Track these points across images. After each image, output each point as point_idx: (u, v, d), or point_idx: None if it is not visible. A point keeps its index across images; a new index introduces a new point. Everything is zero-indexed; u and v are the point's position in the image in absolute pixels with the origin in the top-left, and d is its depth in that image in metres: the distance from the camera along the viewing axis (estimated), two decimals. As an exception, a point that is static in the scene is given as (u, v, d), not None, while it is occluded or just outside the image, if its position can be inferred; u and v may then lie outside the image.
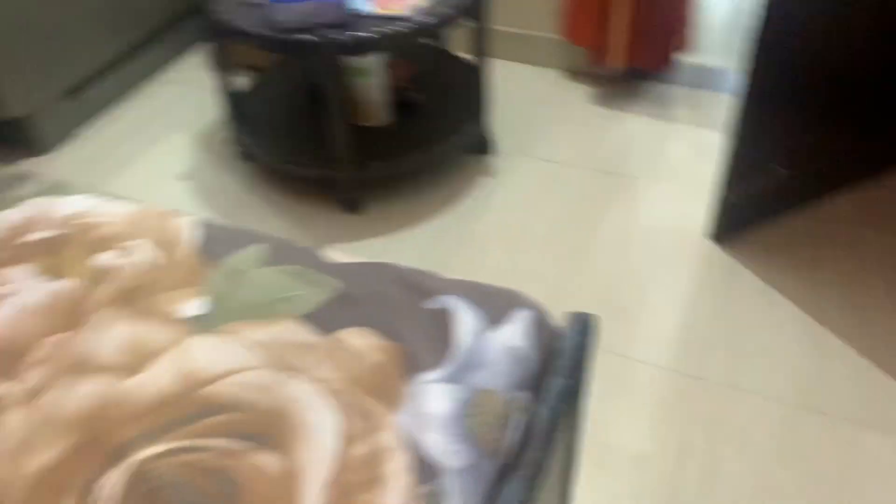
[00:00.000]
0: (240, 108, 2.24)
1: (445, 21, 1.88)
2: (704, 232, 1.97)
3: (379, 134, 2.16)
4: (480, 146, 2.27)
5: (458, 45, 2.63)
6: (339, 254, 1.10)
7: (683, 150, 2.25)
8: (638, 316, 1.78)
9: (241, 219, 2.10)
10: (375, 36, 1.80)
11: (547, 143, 2.32)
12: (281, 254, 1.09)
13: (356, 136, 2.14)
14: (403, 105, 2.24)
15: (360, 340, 0.95)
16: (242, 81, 2.47)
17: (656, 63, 2.38)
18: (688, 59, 2.54)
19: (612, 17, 2.32)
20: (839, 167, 2.02)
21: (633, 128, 2.36)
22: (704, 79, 2.55)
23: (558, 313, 1.71)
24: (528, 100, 2.50)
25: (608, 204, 2.09)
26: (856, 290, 1.81)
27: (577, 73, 2.60)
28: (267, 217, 2.11)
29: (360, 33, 1.81)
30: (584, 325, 1.00)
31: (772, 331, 1.73)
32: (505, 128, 2.39)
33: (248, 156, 2.27)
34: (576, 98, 2.50)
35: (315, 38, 1.79)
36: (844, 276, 1.84)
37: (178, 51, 2.76)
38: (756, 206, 1.93)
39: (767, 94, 1.70)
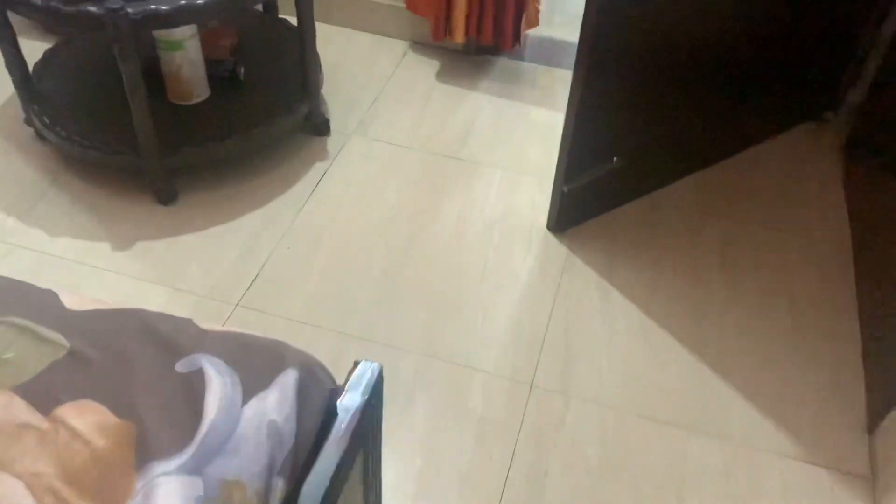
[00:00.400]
0: (33, 82, 1.95)
1: (256, -6, 1.67)
2: (544, 222, 1.89)
3: (194, 114, 1.93)
4: (313, 126, 2.08)
5: (291, 10, 2.40)
6: (79, 297, 0.91)
7: (530, 133, 2.16)
8: (470, 316, 1.68)
9: (36, 213, 1.84)
10: (171, 9, 1.58)
11: (387, 123, 2.16)
12: (0, 299, 0.89)
13: (167, 116, 1.90)
14: (223, 80, 2.01)
15: (84, 419, 0.78)
16: (39, 48, 2.15)
17: (502, 40, 2.25)
18: (538, 33, 2.42)
19: (454, -13, 2.17)
20: (681, 155, 1.98)
21: (478, 107, 2.24)
22: (556, 55, 2.45)
23: (381, 324, 1.59)
24: (370, 73, 2.33)
25: (448, 191, 1.97)
26: (690, 283, 1.78)
27: (422, 45, 2.44)
28: (67, 211, 1.85)
29: (153, 6, 1.57)
30: (367, 381, 0.87)
31: (605, 330, 1.67)
32: (342, 104, 2.21)
33: (44, 138, 1.99)
34: (420, 73, 2.35)
35: (98, 12, 1.55)
36: (680, 267, 1.81)
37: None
38: (595, 196, 1.86)
39: (603, 82, 1.61)
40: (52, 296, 0.91)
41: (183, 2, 1.59)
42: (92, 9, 1.56)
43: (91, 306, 0.90)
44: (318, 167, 2.01)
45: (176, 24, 1.66)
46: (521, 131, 2.16)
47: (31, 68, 1.98)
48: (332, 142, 2.09)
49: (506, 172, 2.03)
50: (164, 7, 1.58)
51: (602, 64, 1.57)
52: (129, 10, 1.56)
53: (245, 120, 1.91)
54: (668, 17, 1.60)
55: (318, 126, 2.09)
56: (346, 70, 2.33)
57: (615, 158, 1.78)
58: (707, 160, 2.05)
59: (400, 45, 2.45)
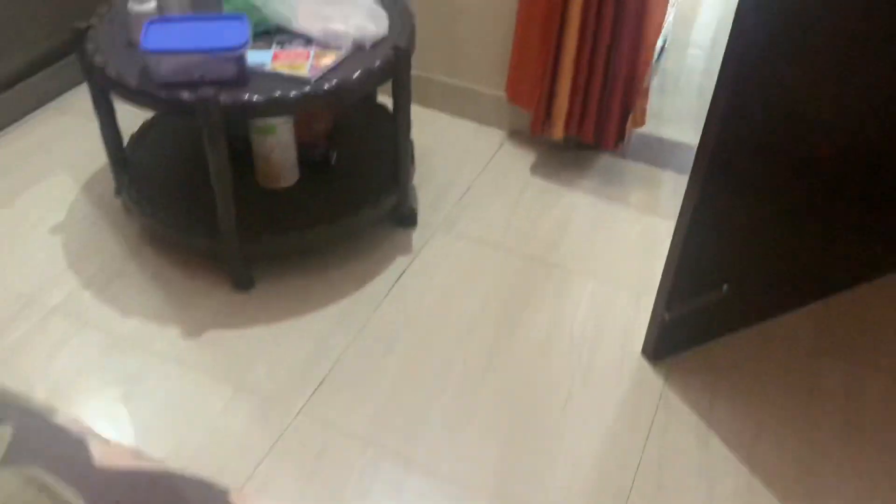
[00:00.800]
0: (126, 154, 1.94)
1: (351, 89, 1.60)
2: (639, 347, 1.72)
3: (280, 199, 1.88)
4: (398, 217, 1.99)
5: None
6: (110, 450, 0.81)
7: (628, 241, 2.00)
8: (549, 453, 1.51)
9: (113, 289, 1.81)
10: (264, 100, 1.53)
11: (476, 218, 2.05)
12: (27, 443, 0.80)
13: (253, 199, 1.85)
14: (314, 165, 1.96)
15: None
16: (140, 115, 2.15)
17: (604, 139, 2.13)
18: (643, 130, 2.28)
19: (557, 82, 2.06)
20: (800, 281, 1.78)
21: (574, 207, 2.10)
22: (662, 155, 2.30)
23: (449, 452, 1.40)
24: (464, 162, 2.24)
25: (535, 301, 1.83)
26: (804, 436, 1.56)
27: (520, 135, 2.34)
28: (142, 290, 1.81)
29: (246, 96, 1.52)
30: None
31: (701, 485, 1.47)
32: (431, 194, 2.12)
33: (131, 211, 1.98)
34: (516, 165, 2.24)
35: (192, 99, 1.51)
36: (793, 415, 1.60)
37: (77, 76, 2.45)
38: (698, 324, 1.68)
39: (720, 200, 1.45)
40: (82, 447, 0.81)
41: (277, 93, 1.54)
42: (184, 96, 1.52)
43: (121, 463, 0.80)
44: (400, 262, 1.92)
45: (268, 115, 1.62)
46: (618, 238, 2.01)
47: (127, 138, 1.99)
48: (416, 235, 2.00)
49: (599, 284, 1.87)
50: (256, 97, 1.53)
51: (721, 179, 1.41)
52: (222, 98, 1.52)
53: (331, 209, 1.84)
54: (800, 125, 1.43)
55: (405, 218, 2.00)
56: (439, 157, 2.25)
57: (725, 286, 1.60)
58: (829, 288, 1.84)
59: (497, 135, 2.36)
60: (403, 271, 1.89)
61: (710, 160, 1.37)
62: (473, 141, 2.33)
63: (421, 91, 2.38)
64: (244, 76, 1.57)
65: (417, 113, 2.39)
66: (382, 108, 2.18)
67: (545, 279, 1.88)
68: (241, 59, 1.55)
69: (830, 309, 1.82)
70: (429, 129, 2.34)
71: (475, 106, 2.38)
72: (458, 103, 2.40)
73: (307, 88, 1.56)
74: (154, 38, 1.54)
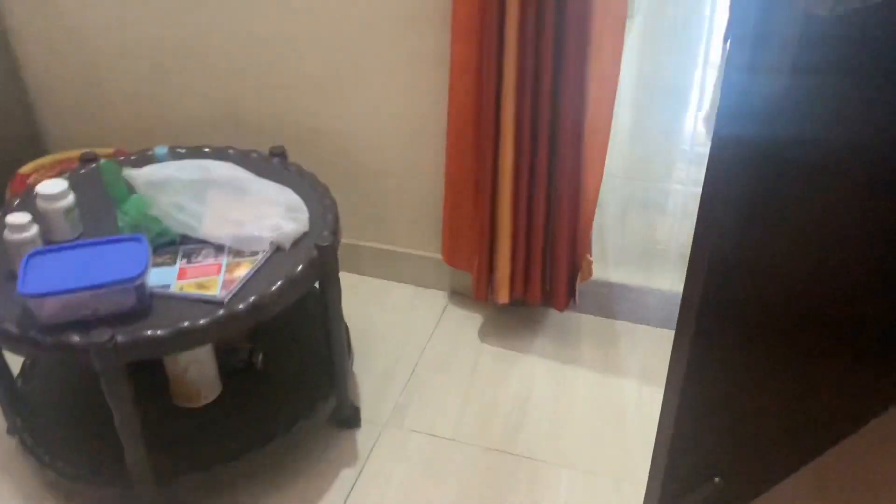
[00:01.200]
0: (17, 388, 1.68)
1: (271, 304, 1.41)
2: (629, 553, 1.51)
3: (201, 421, 1.63)
4: (340, 420, 1.77)
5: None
6: None
7: (595, 411, 1.82)
8: None
9: (4, 558, 1.51)
10: (169, 334, 1.31)
11: (427, 404, 1.84)
12: None
13: (170, 426, 1.61)
14: (238, 371, 1.73)
15: None
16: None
17: (553, 300, 1.97)
18: (594, 279, 2.15)
19: (496, 247, 1.91)
20: (795, 443, 1.62)
21: (532, 376, 1.92)
22: (613, 302, 2.16)
23: None
24: (406, 335, 2.04)
25: (505, 505, 1.61)
26: None
27: (465, 295, 2.17)
28: (42, 553, 1.52)
29: (148, 332, 1.31)
30: None
31: None
32: (374, 380, 1.90)
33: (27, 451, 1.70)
34: (463, 331, 2.06)
35: (83, 343, 1.28)
36: None
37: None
38: (692, 520, 1.49)
39: (706, 388, 1.28)
40: None
41: (185, 324, 1.33)
42: (74, 339, 1.30)
43: None
44: (345, 476, 1.68)
45: (176, 350, 1.40)
46: (583, 410, 1.83)
47: (19, 368, 1.73)
48: (362, 435, 1.77)
49: (573, 474, 1.67)
50: (160, 331, 1.32)
51: (703, 367, 1.24)
52: (119, 338, 1.30)
53: (261, 427, 1.61)
54: (792, 272, 1.29)
55: (346, 419, 1.77)
56: (378, 332, 2.05)
57: (717, 479, 1.42)
58: (828, 439, 1.68)
59: (439, 297, 2.19)
60: (351, 488, 1.65)
61: (691, 353, 1.21)
62: (414, 308, 2.15)
63: (351, 258, 2.21)
64: (145, 306, 1.36)
65: (349, 280, 2.20)
66: (311, 290, 1.98)
67: (514, 476, 1.67)
68: (140, 289, 1.34)
69: (830, 465, 1.66)
70: (363, 300, 2.16)
71: (411, 269, 2.22)
72: (392, 268, 2.23)
73: (220, 312, 1.36)
74: (35, 276, 1.32)
